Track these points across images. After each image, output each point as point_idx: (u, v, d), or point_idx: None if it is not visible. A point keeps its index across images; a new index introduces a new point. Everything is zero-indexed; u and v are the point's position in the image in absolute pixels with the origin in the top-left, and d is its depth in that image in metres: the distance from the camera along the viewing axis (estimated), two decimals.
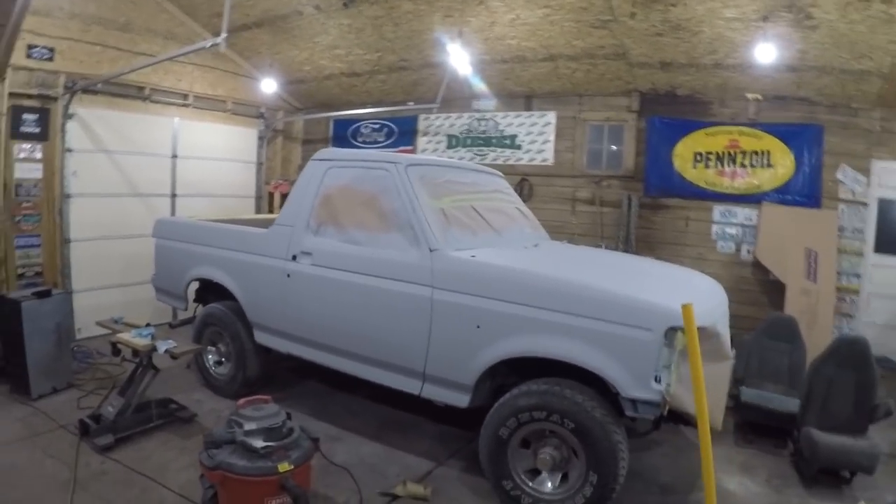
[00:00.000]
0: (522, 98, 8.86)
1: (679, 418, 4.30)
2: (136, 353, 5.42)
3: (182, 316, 7.47)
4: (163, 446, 5.14)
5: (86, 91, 7.85)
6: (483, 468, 4.43)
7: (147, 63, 7.33)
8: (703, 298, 4.45)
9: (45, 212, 7.77)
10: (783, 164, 7.54)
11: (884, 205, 7.39)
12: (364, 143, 10.37)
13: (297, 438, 3.95)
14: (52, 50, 7.59)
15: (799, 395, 5.48)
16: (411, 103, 9.29)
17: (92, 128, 8.02)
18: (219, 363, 6.38)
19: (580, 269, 4.91)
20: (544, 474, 4.22)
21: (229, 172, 9.96)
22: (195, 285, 6.73)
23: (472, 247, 4.84)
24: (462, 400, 4.56)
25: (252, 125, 10.40)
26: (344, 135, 10.66)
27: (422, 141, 9.83)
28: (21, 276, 7.60)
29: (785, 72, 6.95)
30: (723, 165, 7.77)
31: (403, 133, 9.98)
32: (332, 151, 5.83)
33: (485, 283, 4.39)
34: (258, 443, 3.72)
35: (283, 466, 3.68)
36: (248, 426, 3.81)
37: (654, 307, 3.83)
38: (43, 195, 7.73)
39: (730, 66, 7.19)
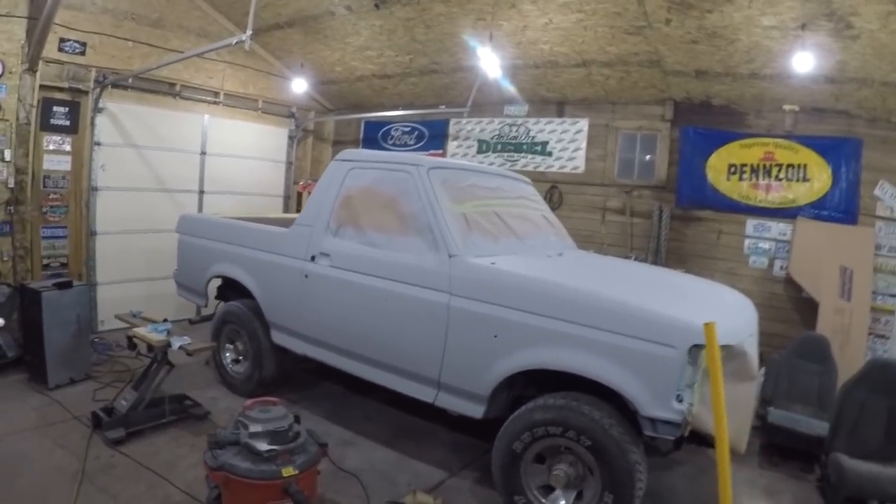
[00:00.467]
0: (554, 104, 8.68)
1: (702, 439, 4.08)
2: (150, 348, 5.39)
3: (203, 312, 7.41)
4: (173, 442, 5.09)
5: (116, 86, 7.88)
6: (495, 482, 4.28)
7: (176, 59, 7.30)
8: (731, 315, 4.29)
9: (73, 204, 7.81)
10: (819, 178, 7.26)
11: None
12: (394, 145, 10.27)
13: (304, 443, 3.85)
14: (83, 44, 7.63)
15: (828, 418, 5.26)
16: (442, 107, 9.17)
17: (121, 122, 8.04)
18: (236, 361, 6.31)
19: (604, 280, 4.74)
20: (558, 491, 4.06)
21: (258, 171, 9.93)
22: (217, 282, 6.67)
23: (492, 253, 4.71)
24: (476, 411, 4.42)
25: (283, 125, 10.36)
26: (374, 137, 10.57)
27: (452, 145, 9.69)
28: (46, 266, 7.65)
29: (823, 83, 6.68)
30: (757, 178, 7.52)
31: (434, 136, 9.85)
32: (354, 152, 5.74)
33: (503, 291, 4.25)
34: (263, 445, 3.63)
35: (287, 471, 3.58)
36: (254, 428, 3.72)
37: (678, 323, 3.64)
38: (70, 187, 7.77)
39: (766, 76, 6.93)
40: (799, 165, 7.36)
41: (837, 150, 7.15)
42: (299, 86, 8.91)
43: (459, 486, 4.81)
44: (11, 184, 7.01)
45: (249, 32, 5.44)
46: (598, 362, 3.82)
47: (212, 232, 6.55)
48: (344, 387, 6.47)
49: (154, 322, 5.76)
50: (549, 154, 8.61)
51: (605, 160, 8.30)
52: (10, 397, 5.72)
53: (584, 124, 8.40)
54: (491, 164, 9.02)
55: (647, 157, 8.12)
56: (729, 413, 3.26)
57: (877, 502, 4.67)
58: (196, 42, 8.31)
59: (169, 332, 5.48)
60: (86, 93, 7.70)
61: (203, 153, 9.04)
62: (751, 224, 7.59)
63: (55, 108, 7.54)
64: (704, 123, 7.78)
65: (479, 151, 9.31)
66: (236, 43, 5.60)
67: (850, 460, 4.66)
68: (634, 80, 7.72)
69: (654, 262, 7.60)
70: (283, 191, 10.49)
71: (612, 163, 8.28)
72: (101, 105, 7.77)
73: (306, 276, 5.38)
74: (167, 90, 8.55)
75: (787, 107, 7.33)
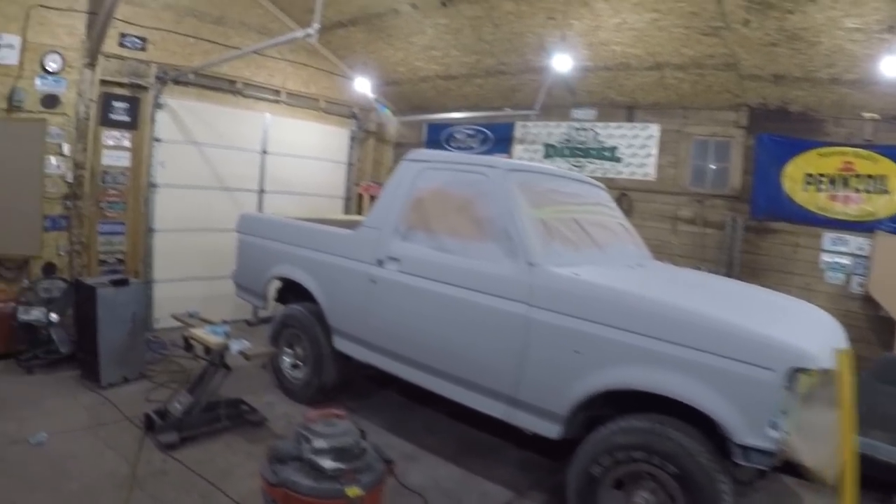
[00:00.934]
0: (624, 108, 8.28)
1: (789, 467, 3.72)
2: (208, 350, 5.14)
3: (261, 314, 7.19)
4: (228, 449, 4.86)
5: (177, 82, 7.73)
6: None
7: (239, 54, 7.13)
8: (827, 336, 3.96)
9: (131, 200, 7.66)
10: None
11: None
12: (458, 148, 9.93)
13: (370, 460, 3.56)
14: (144, 40, 7.49)
15: None
16: (508, 109, 8.85)
17: (181, 119, 7.89)
18: (295, 366, 6.03)
19: (693, 295, 4.37)
20: None
21: (319, 171, 9.71)
22: (277, 284, 6.43)
23: (573, 263, 4.37)
24: (552, 430, 4.08)
25: (344, 125, 10.11)
26: (437, 139, 10.24)
27: (518, 149, 9.32)
28: (103, 262, 7.51)
29: None
30: (835, 189, 7.07)
31: (499, 140, 9.49)
32: (426, 152, 5.45)
33: (589, 304, 3.91)
34: (327, 463, 3.35)
35: (353, 491, 3.29)
36: (318, 443, 3.43)
37: (778, 345, 3.31)
38: (129, 183, 7.62)
39: (847, 82, 6.48)
40: (879, 176, 6.88)
41: None
42: (362, 85, 8.62)
43: None
44: (70, 178, 6.90)
45: (317, 26, 5.20)
46: (689, 384, 3.48)
47: (273, 232, 6.30)
48: (406, 396, 6.15)
49: (212, 323, 5.52)
50: (619, 160, 8.21)
51: (677, 167, 7.88)
52: (62, 394, 5.57)
53: (654, 130, 7.98)
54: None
55: (721, 165, 7.68)
56: (822, 442, 3.19)
57: None
58: (257, 39, 8.04)
59: (227, 335, 5.23)
60: (146, 88, 7.54)
61: (264, 152, 8.84)
62: (828, 237, 7.13)
63: (115, 104, 7.40)
64: (780, 131, 7.34)
65: (546, 156, 8.93)
66: (303, 37, 5.35)
67: None
68: (709, 83, 7.31)
69: (728, 276, 7.16)
70: (344, 192, 10.25)
71: (684, 170, 7.85)
72: (161, 101, 7.63)
73: (373, 281, 5.09)
74: (228, 87, 8.37)
75: (867, 115, 6.88)
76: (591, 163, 8.44)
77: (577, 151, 8.59)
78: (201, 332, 5.23)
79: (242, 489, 4.21)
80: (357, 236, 5.38)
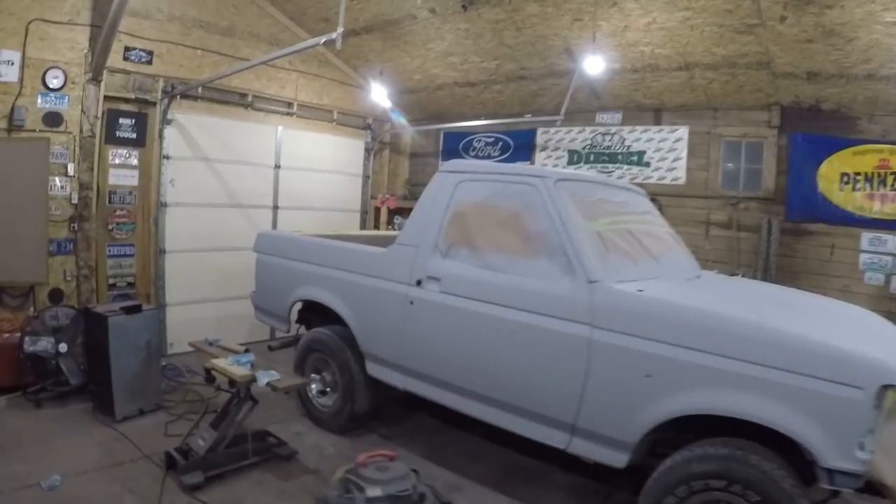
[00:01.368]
0: (651, 111, 7.84)
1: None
2: (233, 382, 4.66)
3: (279, 333, 6.73)
4: (258, 488, 4.40)
5: (185, 96, 7.30)
6: None
7: (249, 65, 6.68)
8: None
9: (140, 220, 7.21)
10: None
11: None
12: (477, 157, 9.49)
13: None
14: (150, 53, 7.06)
15: None
16: (528, 116, 8.40)
17: (191, 134, 7.44)
18: (322, 393, 5.54)
19: (765, 310, 3.92)
20: None
21: (334, 185, 9.24)
22: (298, 305, 5.94)
23: (633, 278, 3.96)
24: (619, 459, 3.66)
25: (359, 136, 9.63)
26: (455, 149, 9.78)
27: (540, 156, 8.86)
28: (112, 286, 7.07)
29: None
30: (872, 188, 6.69)
31: (520, 147, 9.02)
32: (463, 163, 4.99)
33: (660, 324, 3.49)
34: None
35: None
36: (372, 491, 3.04)
37: (866, 361, 3.01)
38: (138, 203, 7.18)
39: (883, 77, 6.13)
40: None
41: None
42: (379, 95, 8.09)
43: None
44: (75, 199, 6.49)
45: (341, 30, 4.75)
46: (772, 406, 3.14)
47: (295, 251, 5.83)
48: (440, 419, 5.68)
49: (234, 352, 5.06)
50: (647, 165, 7.76)
51: (708, 170, 7.45)
52: (74, 430, 5.10)
53: (683, 132, 7.54)
54: None
55: (752, 166, 7.26)
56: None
57: None
58: (267, 50, 7.61)
59: (252, 365, 4.77)
60: (153, 104, 7.11)
61: (277, 166, 8.38)
62: (865, 238, 6.74)
63: (121, 120, 6.98)
64: (813, 129, 6.94)
65: (570, 162, 8.47)
66: (325, 43, 4.91)
67: None
68: (740, 83, 6.91)
69: (765, 280, 6.78)
70: (360, 206, 9.76)
71: (716, 173, 7.42)
72: (169, 116, 7.18)
73: (411, 302, 4.63)
74: (238, 101, 7.93)
75: None
76: (618, 168, 7.98)
77: (602, 157, 8.13)
78: (225, 364, 4.75)
79: None
80: (391, 255, 4.92)
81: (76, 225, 6.49)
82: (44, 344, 5.62)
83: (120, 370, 5.35)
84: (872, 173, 6.69)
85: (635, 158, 7.84)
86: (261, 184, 8.23)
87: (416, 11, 7.19)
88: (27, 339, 5.60)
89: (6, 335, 5.72)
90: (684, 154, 7.54)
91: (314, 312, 5.80)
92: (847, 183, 6.82)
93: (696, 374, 3.35)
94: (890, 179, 6.64)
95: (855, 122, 6.82)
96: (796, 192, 7.02)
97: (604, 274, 3.81)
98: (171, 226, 7.33)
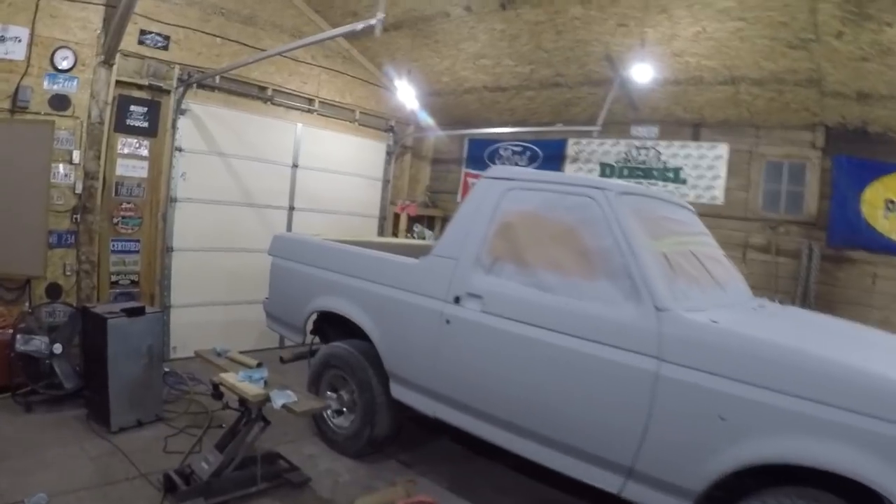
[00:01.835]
0: (690, 126, 7.31)
1: None
2: (243, 400, 4.10)
3: (288, 342, 6.17)
4: None
5: (202, 85, 6.77)
6: None
7: (275, 51, 6.14)
8: None
9: (147, 215, 6.66)
10: None
11: None
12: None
13: None
14: (167, 38, 6.52)
15: None
16: (559, 125, 7.86)
17: (206, 126, 6.89)
18: (338, 412, 4.96)
19: (851, 348, 3.43)
20: None
21: (353, 188, 8.67)
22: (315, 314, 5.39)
23: (701, 306, 3.45)
24: None
25: (380, 138, 9.05)
26: (480, 156, 9.20)
27: (570, 168, 8.29)
28: (115, 283, 6.51)
29: None
30: None
31: (549, 158, 8.44)
32: (510, 169, 4.46)
33: (739, 360, 3.00)
34: None
35: None
36: None
37: None
38: (146, 196, 6.63)
39: None
40: None
41: None
42: (406, 94, 7.47)
43: None
44: (79, 189, 5.94)
45: (381, 16, 4.33)
46: (867, 461, 2.66)
47: (315, 257, 5.27)
48: (463, 444, 5.11)
49: (246, 366, 4.51)
50: (684, 182, 7.21)
51: (748, 190, 6.93)
52: (65, 441, 4.56)
53: (723, 150, 7.00)
54: None
55: (794, 188, 6.75)
56: None
57: None
58: (289, 42, 7.08)
59: (266, 382, 4.21)
60: (167, 92, 6.57)
61: (294, 165, 7.81)
62: None
63: (132, 108, 6.43)
64: (858, 152, 6.46)
65: (603, 176, 7.90)
66: (362, 29, 4.42)
67: None
68: (786, 100, 6.42)
69: (804, 308, 6.28)
70: (379, 211, 9.17)
71: (756, 194, 6.89)
72: (184, 106, 6.62)
73: (448, 321, 4.08)
74: (257, 94, 7.37)
75: None
76: (652, 184, 7.42)
77: (637, 172, 7.58)
78: (235, 380, 4.18)
79: None
80: (426, 267, 4.37)
81: (79, 216, 5.95)
82: (37, 343, 5.07)
83: (118, 377, 4.81)
84: None
85: (672, 175, 7.30)
86: (277, 183, 7.67)
87: (450, 9, 6.68)
88: (19, 337, 5.05)
89: None
90: (723, 172, 7.01)
91: (331, 324, 5.24)
92: (892, 210, 6.35)
93: (778, 418, 2.86)
94: None
95: None
96: (839, 218, 6.52)
97: (673, 301, 3.30)
98: (181, 222, 6.78)
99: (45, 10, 5.58)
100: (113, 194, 6.38)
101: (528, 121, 8.50)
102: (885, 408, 2.63)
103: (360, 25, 4.42)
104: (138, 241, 6.62)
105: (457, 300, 4.07)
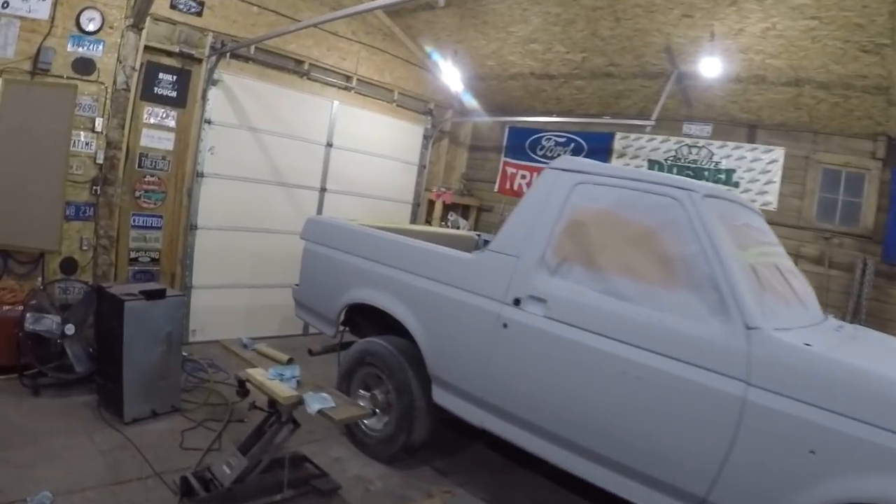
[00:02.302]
0: (745, 127, 6.92)
1: None
2: (273, 401, 3.74)
3: (312, 329, 5.83)
4: None
5: (235, 55, 6.40)
6: None
7: (317, 20, 5.64)
8: None
9: (172, 190, 6.31)
10: None
11: None
12: (544, 157, 8.51)
13: None
14: (201, 3, 6.16)
15: None
16: (607, 117, 7.50)
17: (237, 99, 6.53)
18: (371, 413, 4.57)
19: None
20: None
21: (388, 172, 8.29)
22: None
23: (788, 325, 3.10)
24: None
25: (418, 121, 8.65)
26: (521, 145, 8.81)
27: (616, 163, 7.85)
28: (134, 260, 6.18)
29: None
30: None
31: (594, 151, 8.00)
32: (581, 162, 4.01)
33: (837, 389, 2.68)
34: None
35: None
36: None
37: None
38: (171, 170, 6.28)
39: None
40: None
41: None
42: (451, 76, 7.07)
43: None
44: (100, 159, 5.60)
45: None
46: None
47: (353, 244, 4.89)
48: (500, 452, 4.78)
49: (276, 361, 4.16)
50: (736, 185, 6.78)
51: (803, 198, 6.55)
52: (74, 430, 4.22)
53: (779, 154, 6.61)
54: None
55: (851, 199, 6.37)
56: None
57: None
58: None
59: (299, 382, 3.83)
60: (199, 60, 6.21)
61: (329, 145, 7.42)
62: None
63: (161, 76, 6.09)
64: None
65: None
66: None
67: None
68: (850, 107, 6.03)
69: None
70: (413, 197, 8.79)
71: (811, 202, 6.51)
72: (215, 76, 6.27)
73: (505, 325, 3.72)
74: (294, 67, 6.97)
75: None
76: None
77: (687, 172, 7.14)
78: (264, 378, 3.81)
79: None
80: (481, 262, 4.00)
81: (99, 188, 5.61)
82: (48, 323, 4.72)
83: (133, 364, 4.48)
84: None
85: (723, 177, 6.90)
86: (309, 162, 7.29)
87: None
88: (29, 315, 4.69)
89: (6, 307, 4.82)
90: (778, 178, 6.62)
91: (365, 316, 4.86)
92: None
93: (877, 456, 2.54)
94: None
95: None
96: (895, 232, 6.20)
97: (763, 319, 2.94)
98: (206, 199, 6.43)
99: None
100: (136, 166, 6.05)
101: (574, 111, 8.11)
102: None
103: None
104: (161, 216, 6.29)
105: (516, 302, 3.70)
